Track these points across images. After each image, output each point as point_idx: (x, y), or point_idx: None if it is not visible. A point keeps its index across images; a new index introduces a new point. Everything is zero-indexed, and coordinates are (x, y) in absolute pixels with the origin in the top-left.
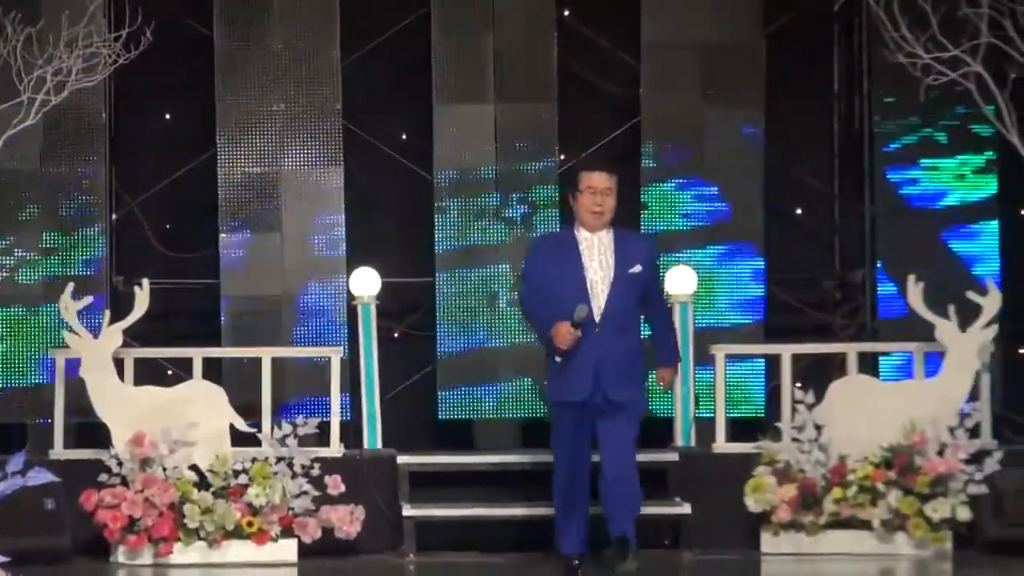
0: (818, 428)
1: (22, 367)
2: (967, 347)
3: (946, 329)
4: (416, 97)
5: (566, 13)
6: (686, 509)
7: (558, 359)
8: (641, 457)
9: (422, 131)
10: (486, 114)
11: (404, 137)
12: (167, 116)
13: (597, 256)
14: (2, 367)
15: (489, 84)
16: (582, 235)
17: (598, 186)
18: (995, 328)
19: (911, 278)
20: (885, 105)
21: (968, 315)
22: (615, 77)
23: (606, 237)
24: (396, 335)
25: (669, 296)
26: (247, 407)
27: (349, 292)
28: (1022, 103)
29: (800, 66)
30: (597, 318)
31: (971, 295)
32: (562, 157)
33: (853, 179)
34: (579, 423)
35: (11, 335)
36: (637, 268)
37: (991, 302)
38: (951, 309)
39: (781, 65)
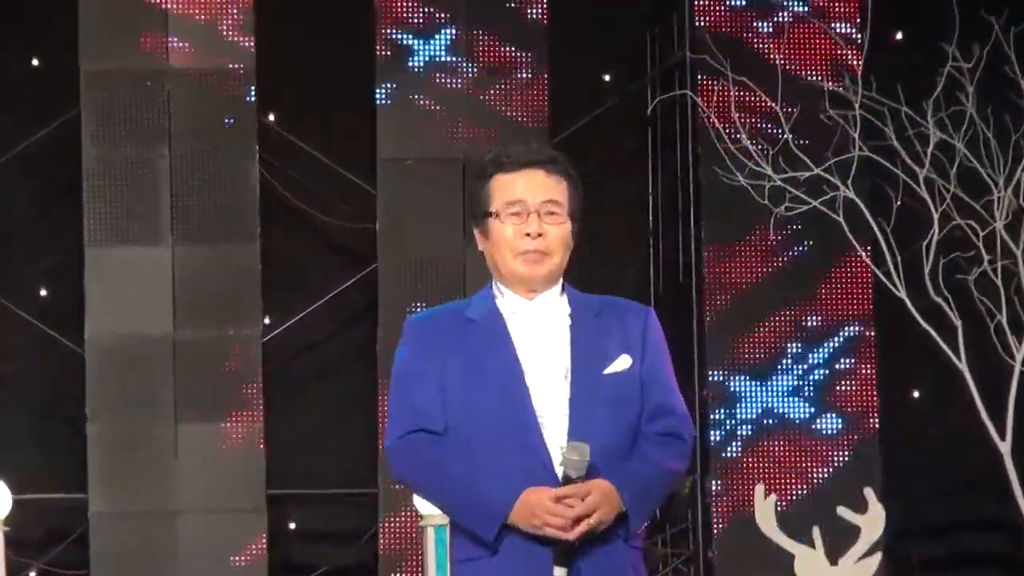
0: None
1: None
2: None
3: (809, 561)
4: (60, 237)
5: (271, 117)
6: None
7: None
8: None
9: (70, 286)
10: (160, 260)
11: (44, 293)
12: None
13: (543, 339)
14: None
15: (164, 218)
16: (509, 302)
17: (530, 198)
18: (878, 558)
19: (759, 489)
20: (720, 243)
21: (841, 539)
22: (342, 206)
23: (557, 302)
24: (33, 573)
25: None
26: None
27: None
28: (909, 239)
29: (604, 188)
30: (556, 465)
31: (843, 512)
32: (267, 321)
33: (678, 348)
34: None
35: None
36: (623, 363)
37: (872, 522)
38: (816, 532)
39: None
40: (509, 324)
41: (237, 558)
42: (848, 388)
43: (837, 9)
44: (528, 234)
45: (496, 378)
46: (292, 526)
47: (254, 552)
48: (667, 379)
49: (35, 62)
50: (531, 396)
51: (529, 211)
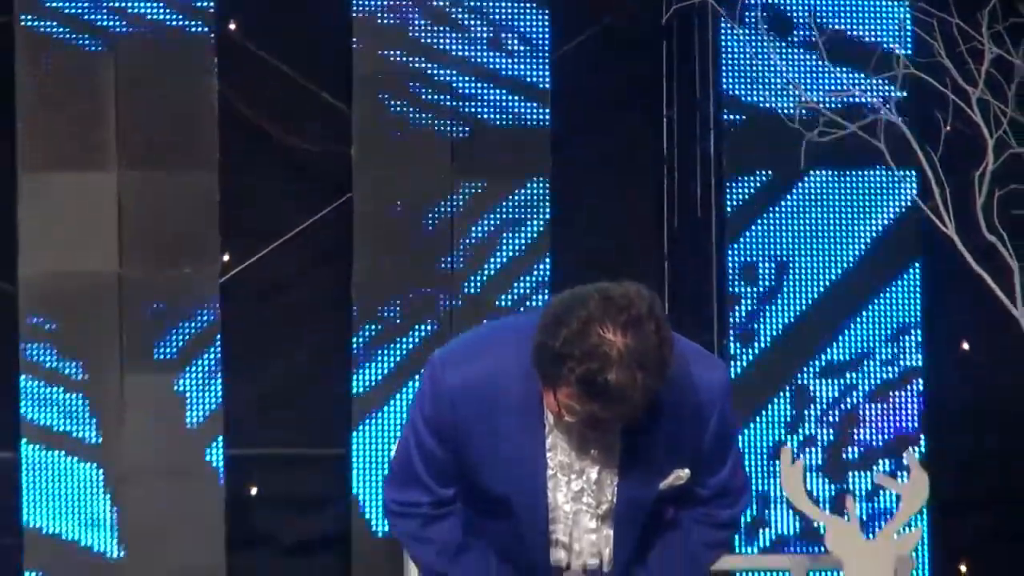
0: None
1: None
2: (875, 561)
3: (841, 532)
4: None
5: (232, 26)
6: None
7: None
8: None
9: (0, 216)
10: (104, 188)
11: None
12: None
13: (583, 449)
14: None
15: (109, 140)
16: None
17: (588, 416)
18: (920, 531)
19: (786, 451)
20: (741, 178)
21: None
22: (313, 126)
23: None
24: None
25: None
26: None
27: None
28: (959, 169)
29: (611, 113)
30: None
31: (881, 479)
32: (225, 259)
33: (697, 293)
34: None
35: None
36: (681, 474)
37: (914, 488)
38: (849, 501)
39: (571, 116)
40: (546, 422)
41: (191, 527)
42: (887, 337)
43: None
44: (579, 419)
45: (511, 482)
46: (254, 491)
47: (211, 520)
48: (731, 454)
49: None
50: (547, 517)
51: (597, 427)
